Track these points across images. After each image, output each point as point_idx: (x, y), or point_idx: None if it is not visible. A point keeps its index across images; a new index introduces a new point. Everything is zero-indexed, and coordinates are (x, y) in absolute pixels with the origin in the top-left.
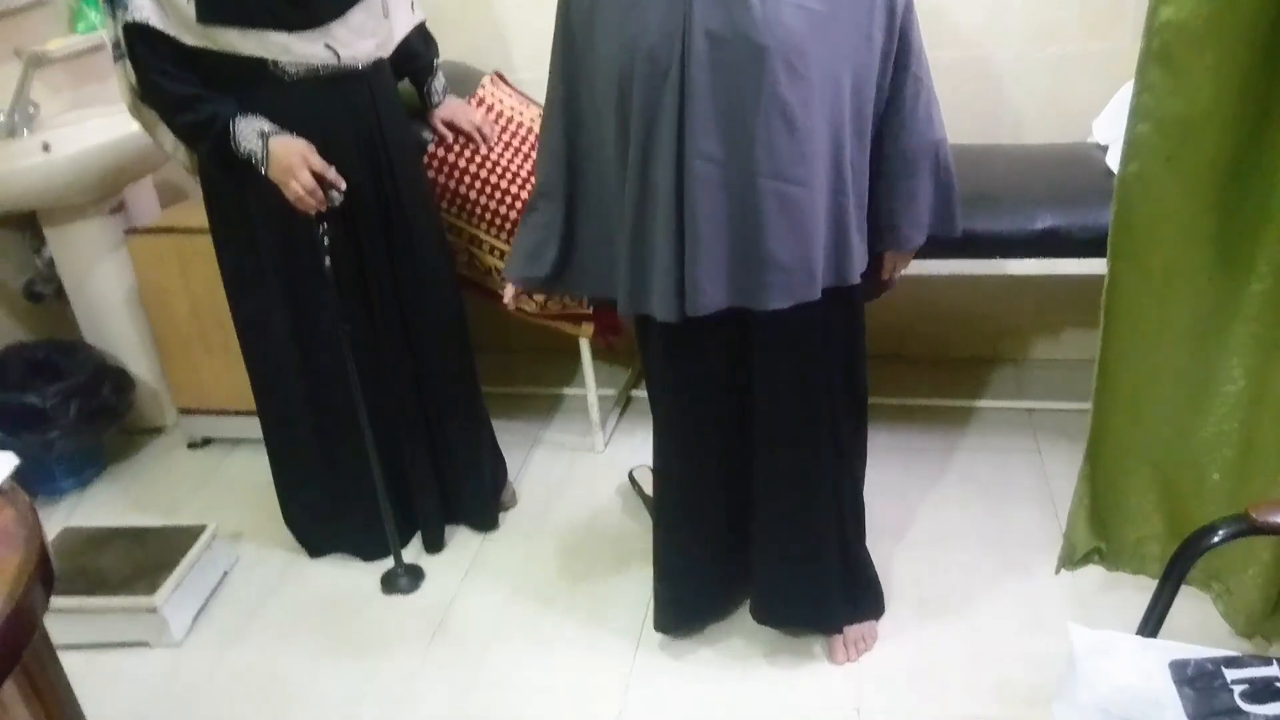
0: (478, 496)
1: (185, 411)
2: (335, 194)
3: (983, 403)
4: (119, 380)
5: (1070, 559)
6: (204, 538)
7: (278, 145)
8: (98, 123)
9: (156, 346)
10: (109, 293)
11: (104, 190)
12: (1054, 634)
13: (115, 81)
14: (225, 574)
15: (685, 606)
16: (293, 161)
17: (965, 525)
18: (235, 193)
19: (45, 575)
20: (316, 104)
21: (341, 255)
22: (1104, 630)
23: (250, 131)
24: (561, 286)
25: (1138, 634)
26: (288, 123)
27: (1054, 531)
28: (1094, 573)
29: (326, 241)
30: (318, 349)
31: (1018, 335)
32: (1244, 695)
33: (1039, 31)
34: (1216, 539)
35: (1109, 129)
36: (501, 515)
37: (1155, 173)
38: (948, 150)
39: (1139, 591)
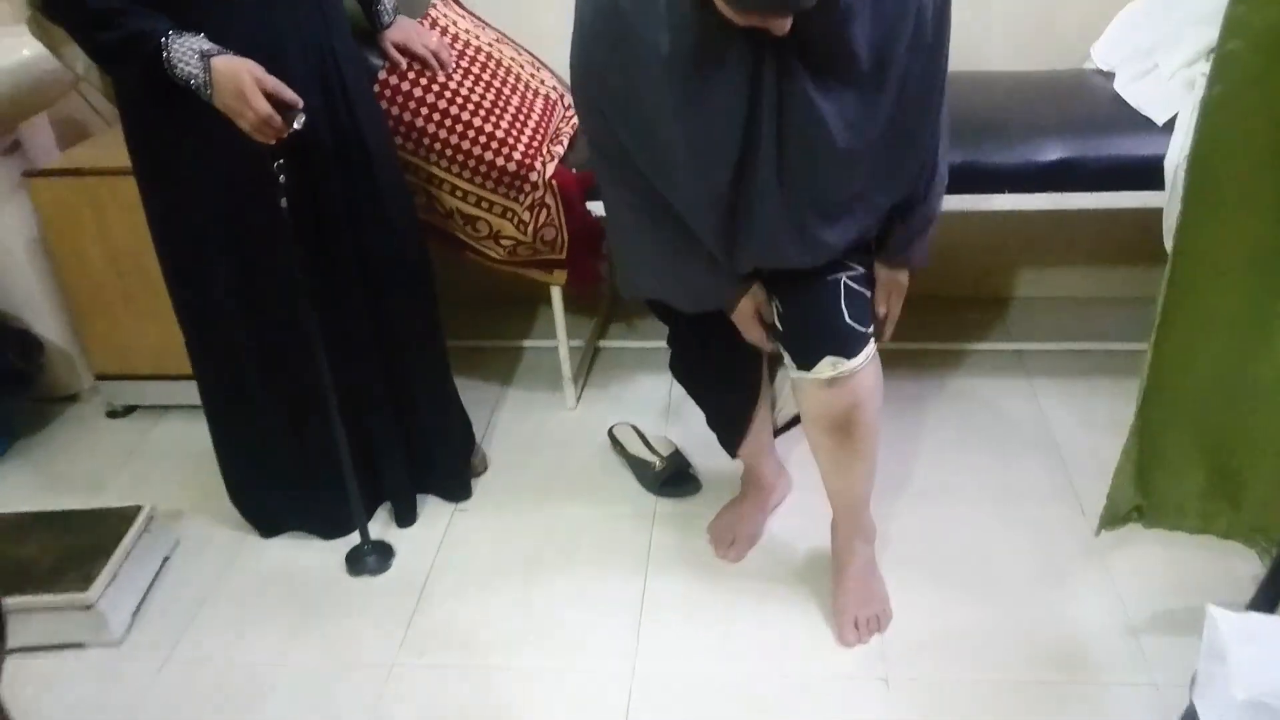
0: (449, 462)
1: (103, 377)
2: (297, 116)
3: (971, 345)
4: (25, 343)
5: (1113, 518)
6: (140, 520)
7: (222, 66)
8: None
9: (68, 304)
10: (7, 244)
11: None
12: (1075, 590)
13: None
14: (166, 560)
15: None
16: (243, 84)
17: (969, 477)
18: (166, 121)
19: None
20: (261, 23)
21: (296, 195)
22: (1245, 613)
23: (187, 52)
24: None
25: (1249, 609)
26: (229, 45)
27: (1060, 480)
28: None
29: (283, 179)
30: (268, 302)
31: (1002, 273)
32: None
33: None
34: None
35: (1110, 53)
36: (473, 482)
37: (1241, 96)
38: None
39: (1160, 544)
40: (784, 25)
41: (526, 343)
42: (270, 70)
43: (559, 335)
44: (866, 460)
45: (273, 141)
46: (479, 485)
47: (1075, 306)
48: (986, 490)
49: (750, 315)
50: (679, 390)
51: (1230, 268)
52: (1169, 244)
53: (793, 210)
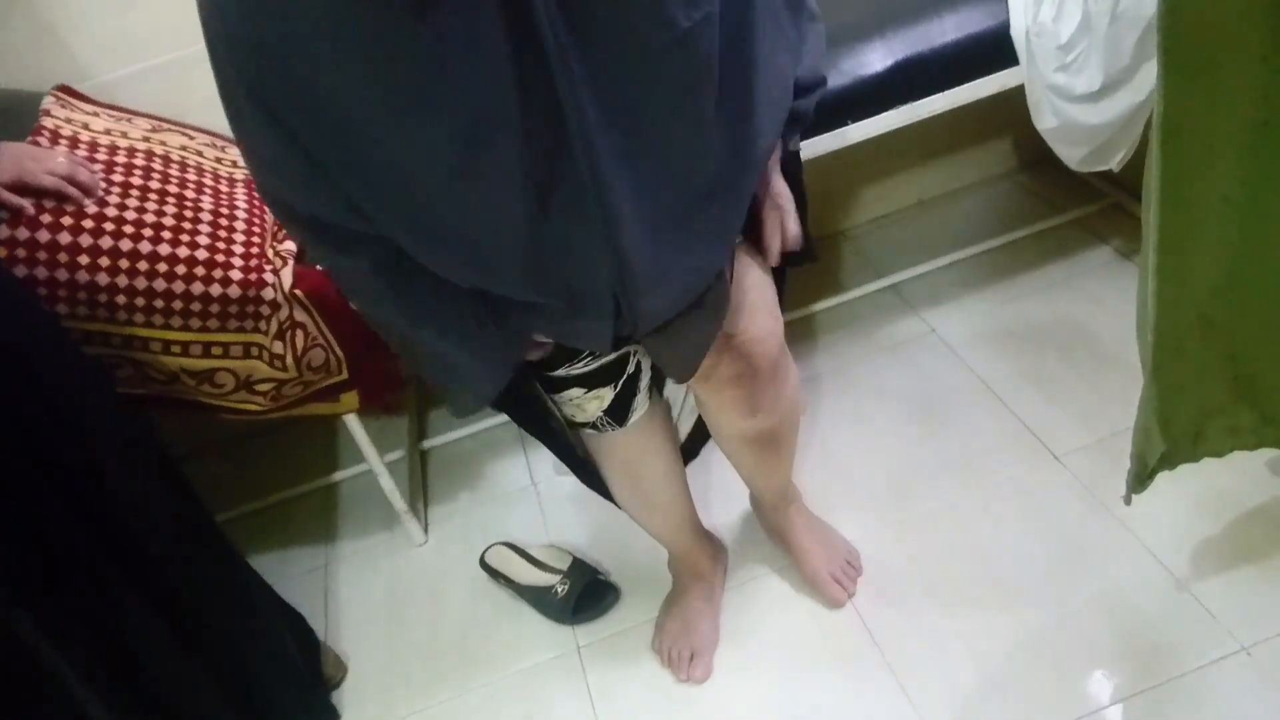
0: (296, 692)
1: None
2: None
3: (842, 296)
4: None
5: (1143, 478)
6: None
7: None
8: None
9: None
10: None
11: None
12: (1100, 562)
13: None
14: None
15: None
16: None
17: (914, 458)
18: None
19: None
20: None
21: None
22: None
23: None
24: None
25: None
26: None
27: (1006, 417)
28: (1095, 460)
29: None
30: None
31: (838, 201)
32: None
33: None
34: None
35: None
36: (335, 696)
37: None
38: None
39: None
40: None
41: (338, 475)
42: None
43: (371, 463)
44: (791, 451)
45: None
46: (345, 699)
47: (928, 211)
48: (943, 469)
49: None
50: (540, 465)
51: (1219, 146)
52: (1038, 124)
53: (645, 170)
